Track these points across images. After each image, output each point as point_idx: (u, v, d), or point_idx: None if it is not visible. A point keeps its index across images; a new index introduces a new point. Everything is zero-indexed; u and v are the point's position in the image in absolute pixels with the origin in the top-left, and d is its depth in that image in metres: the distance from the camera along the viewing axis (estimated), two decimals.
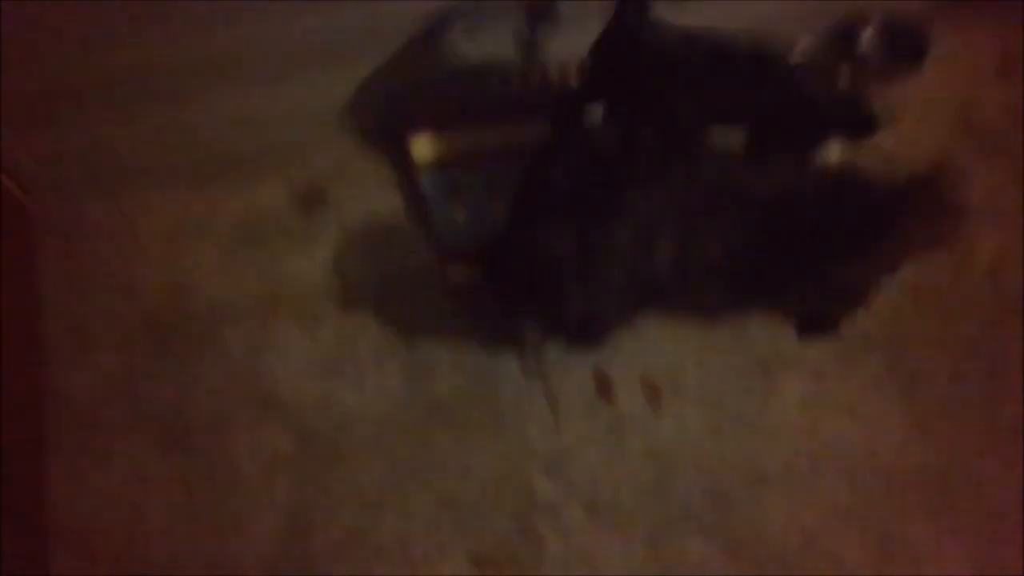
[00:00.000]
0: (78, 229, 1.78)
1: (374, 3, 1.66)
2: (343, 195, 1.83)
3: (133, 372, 1.66)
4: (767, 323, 1.75)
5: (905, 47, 2.00)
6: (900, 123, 1.96)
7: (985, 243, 1.86)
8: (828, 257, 1.56)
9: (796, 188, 1.54)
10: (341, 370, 1.67)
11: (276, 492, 1.57)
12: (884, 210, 1.52)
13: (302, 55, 1.71)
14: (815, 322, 1.75)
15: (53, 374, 1.64)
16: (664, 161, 1.55)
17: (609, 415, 1.67)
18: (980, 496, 1.62)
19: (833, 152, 1.63)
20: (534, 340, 1.68)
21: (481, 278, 1.65)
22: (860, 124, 1.67)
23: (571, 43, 1.76)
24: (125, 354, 1.67)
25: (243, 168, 1.84)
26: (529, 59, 1.84)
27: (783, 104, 1.56)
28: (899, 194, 1.53)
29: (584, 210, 1.49)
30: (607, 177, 1.49)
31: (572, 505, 1.59)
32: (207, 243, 1.78)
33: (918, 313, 1.78)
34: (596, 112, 1.54)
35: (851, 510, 1.59)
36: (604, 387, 1.69)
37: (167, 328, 1.70)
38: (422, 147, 1.81)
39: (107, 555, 1.52)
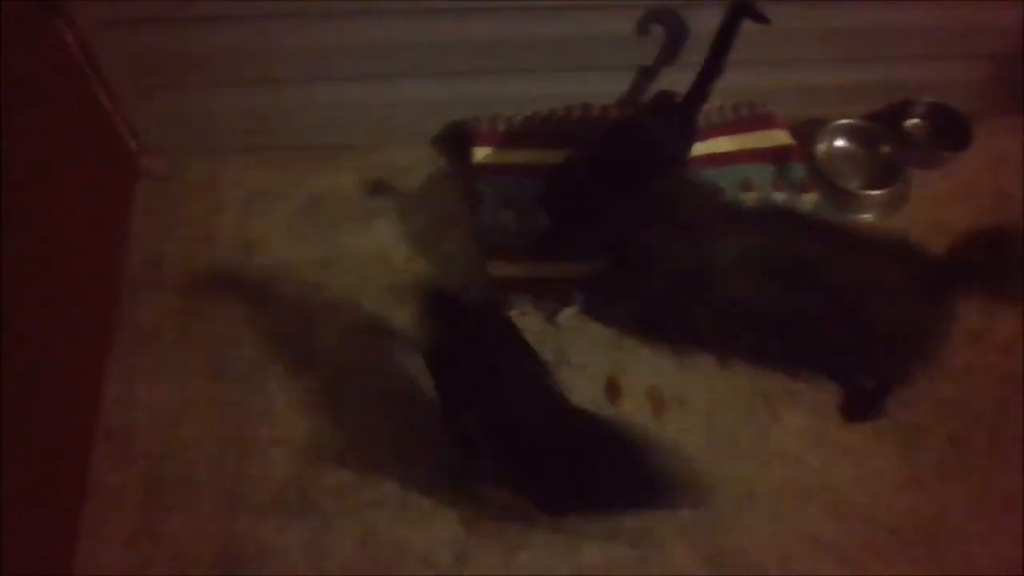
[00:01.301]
0: (174, 182, 2.03)
1: (480, 20, 1.85)
2: (408, 187, 2.04)
3: (194, 308, 1.86)
4: None
5: (949, 134, 2.13)
6: (937, 205, 2.09)
7: (1004, 323, 1.92)
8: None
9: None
10: (375, 335, 1.84)
11: (298, 428, 1.72)
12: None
13: (397, 62, 1.93)
14: (861, 403, 1.79)
15: (126, 299, 1.85)
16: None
17: (614, 417, 1.76)
18: (963, 556, 1.64)
19: None
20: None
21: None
22: None
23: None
24: (190, 292, 1.88)
25: (323, 151, 2.07)
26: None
27: None
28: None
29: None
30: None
31: None
32: (280, 210, 2.00)
33: (929, 374, 1.83)
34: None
35: (832, 542, 1.63)
36: (613, 391, 1.79)
37: (231, 276, 1.90)
38: (483, 156, 2.01)
39: (141, 455, 1.67)
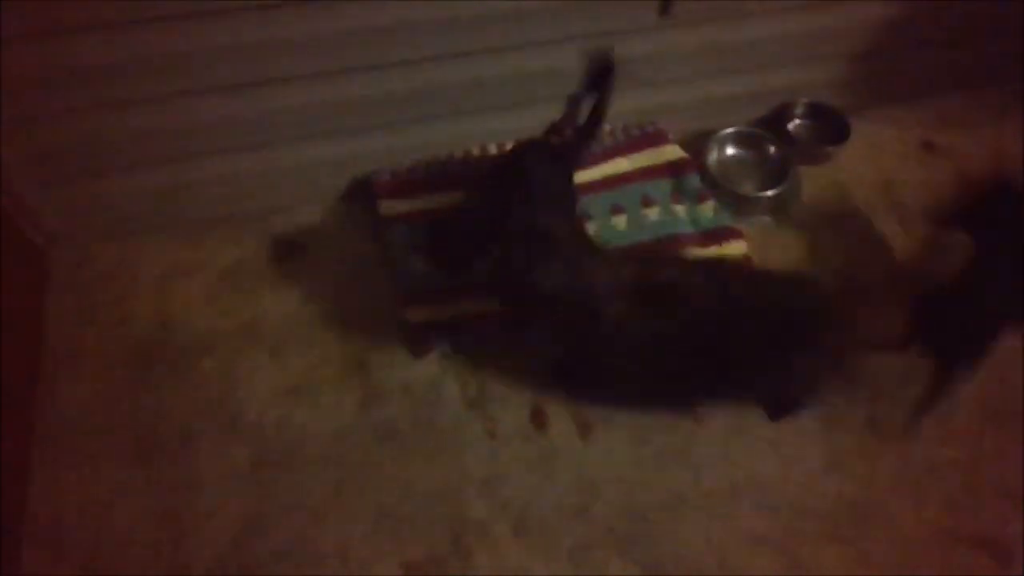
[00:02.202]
0: (85, 269, 2.03)
1: (354, 79, 1.91)
2: (318, 246, 2.08)
3: (117, 392, 1.85)
4: None
5: (829, 131, 2.25)
6: (825, 197, 2.19)
7: None
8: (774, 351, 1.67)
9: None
10: (301, 395, 1.85)
11: (231, 500, 1.72)
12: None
13: (292, 127, 1.98)
14: (780, 404, 1.85)
15: (47, 389, 1.85)
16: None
17: (541, 444, 1.80)
18: (891, 529, 1.70)
19: None
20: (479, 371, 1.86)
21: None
22: None
23: None
24: (112, 376, 1.87)
25: (232, 222, 2.10)
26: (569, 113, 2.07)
27: None
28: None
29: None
30: None
31: (501, 523, 1.70)
32: (194, 285, 2.01)
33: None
34: None
35: (765, 536, 1.68)
36: (539, 418, 1.83)
37: (151, 355, 1.90)
38: (389, 206, 2.05)
39: (75, 553, 1.65)
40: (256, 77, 1.82)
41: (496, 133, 2.12)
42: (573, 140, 2.01)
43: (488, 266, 1.70)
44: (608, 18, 1.91)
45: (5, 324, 1.82)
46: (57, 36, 1.63)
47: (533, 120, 2.12)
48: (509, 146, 2.09)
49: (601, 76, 1.83)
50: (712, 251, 2.03)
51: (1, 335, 1.78)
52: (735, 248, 2.04)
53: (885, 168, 2.25)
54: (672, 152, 2.17)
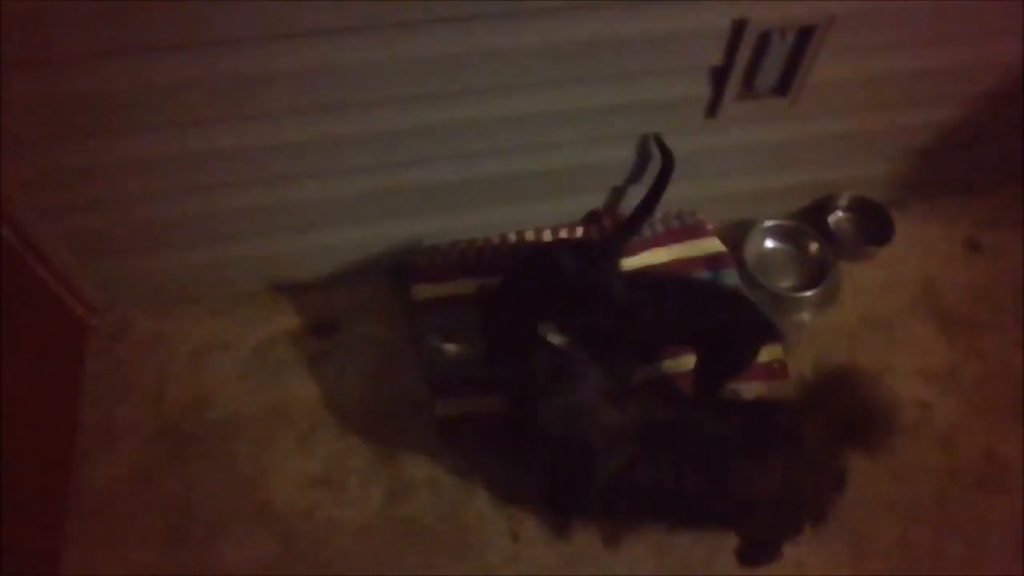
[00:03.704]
0: (121, 341, 2.06)
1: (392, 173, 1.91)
2: (351, 328, 2.08)
3: (149, 472, 1.88)
4: None
5: (872, 226, 2.21)
6: (868, 298, 2.16)
7: (942, 411, 1.97)
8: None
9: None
10: (329, 485, 1.86)
11: None
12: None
13: (335, 213, 1.98)
14: (755, 550, 1.79)
15: (79, 466, 1.87)
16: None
17: (566, 550, 1.80)
18: None
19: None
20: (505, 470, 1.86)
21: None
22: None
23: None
24: (144, 455, 1.90)
25: (270, 296, 2.12)
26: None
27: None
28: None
29: None
30: None
31: None
32: (228, 361, 2.03)
33: (871, 476, 1.88)
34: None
35: None
36: (563, 524, 1.82)
37: (183, 435, 1.93)
38: (423, 291, 2.05)
39: None
40: (302, 170, 1.82)
41: (537, 219, 2.12)
42: (613, 232, 2.00)
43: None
44: (657, 118, 1.90)
45: (45, 398, 1.85)
46: (97, 135, 1.65)
47: (574, 207, 2.13)
48: (546, 235, 2.12)
49: (660, 173, 1.84)
50: None
51: (41, 409, 1.82)
52: (772, 352, 2.02)
53: (927, 267, 2.21)
54: (711, 245, 2.15)
